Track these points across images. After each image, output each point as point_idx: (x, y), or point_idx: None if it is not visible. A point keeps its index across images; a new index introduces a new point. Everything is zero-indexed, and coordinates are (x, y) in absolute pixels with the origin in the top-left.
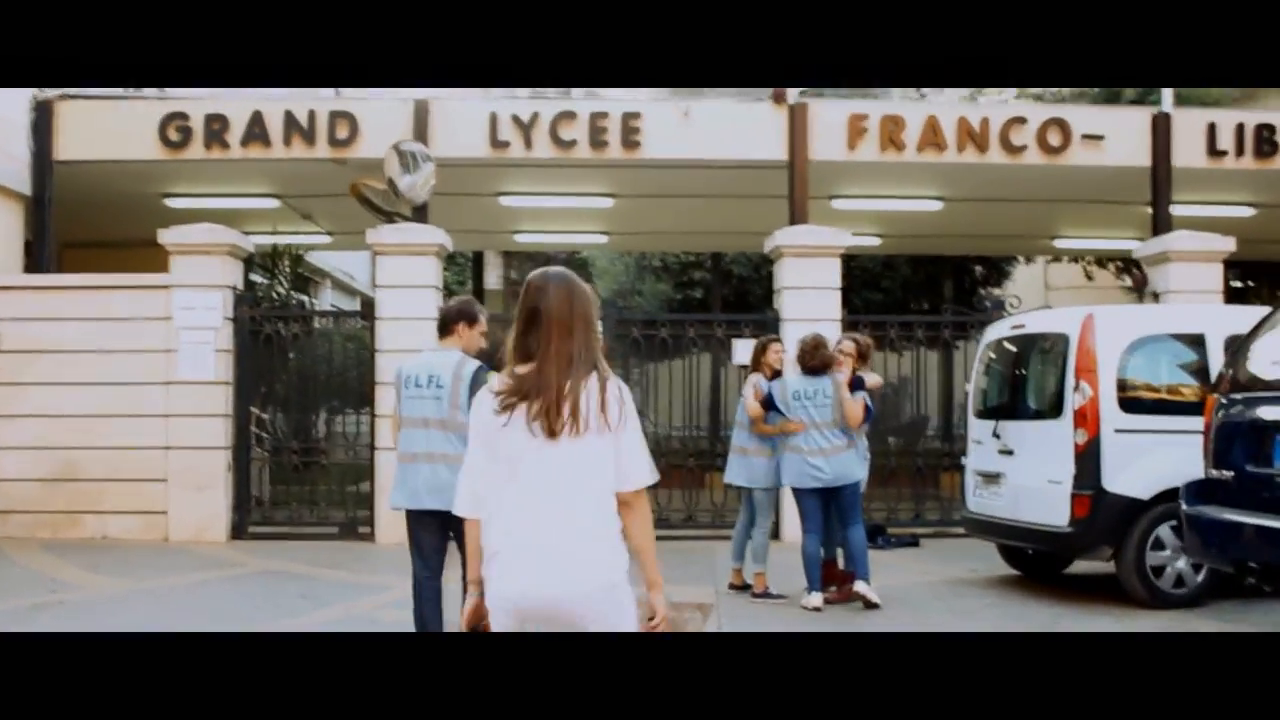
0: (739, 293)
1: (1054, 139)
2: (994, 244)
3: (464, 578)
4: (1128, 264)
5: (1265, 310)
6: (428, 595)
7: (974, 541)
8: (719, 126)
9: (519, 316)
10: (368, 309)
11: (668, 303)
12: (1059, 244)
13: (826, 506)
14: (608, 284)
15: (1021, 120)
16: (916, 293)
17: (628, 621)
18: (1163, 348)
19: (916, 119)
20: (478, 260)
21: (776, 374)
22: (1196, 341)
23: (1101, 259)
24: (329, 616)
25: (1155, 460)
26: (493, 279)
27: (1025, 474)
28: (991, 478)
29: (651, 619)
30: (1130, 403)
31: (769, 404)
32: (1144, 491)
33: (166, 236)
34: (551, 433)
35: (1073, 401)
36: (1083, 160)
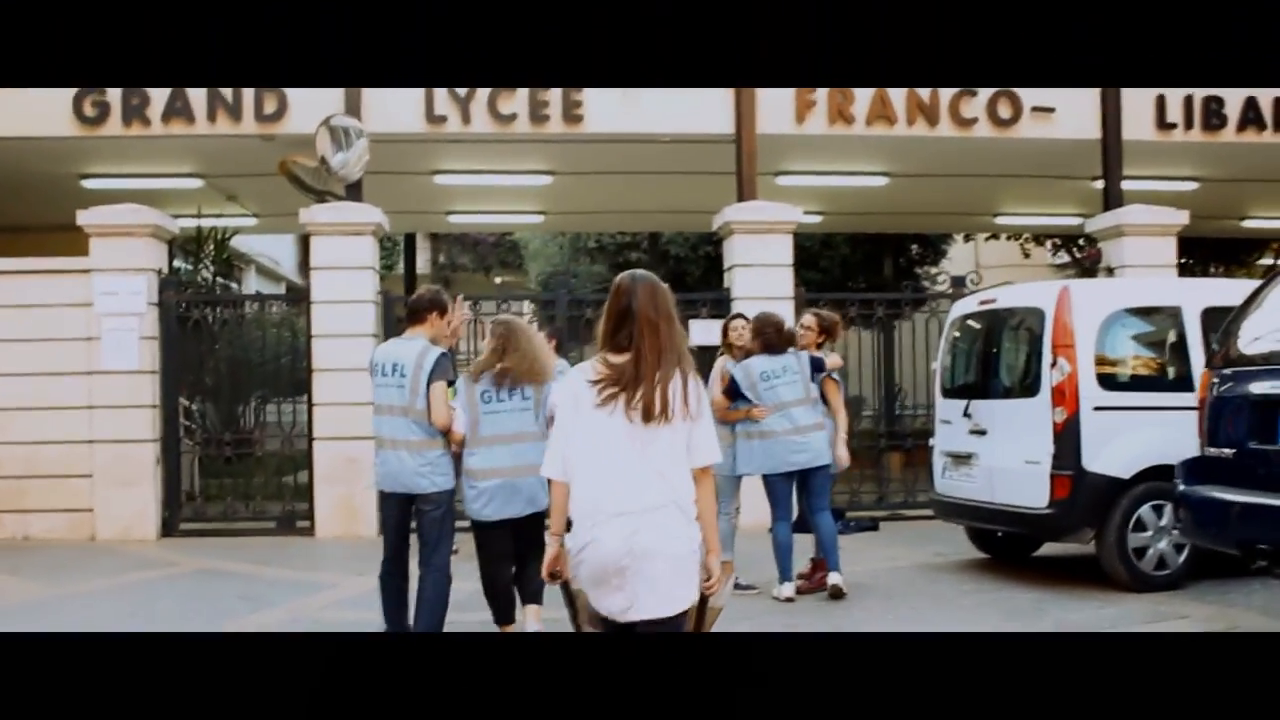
0: (676, 273)
1: (1004, 112)
2: (935, 221)
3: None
4: (1065, 241)
5: (1241, 283)
6: (390, 570)
7: (932, 524)
8: (664, 100)
9: (609, 313)
10: (299, 294)
11: (604, 285)
12: (1000, 220)
13: (798, 491)
14: (540, 266)
15: (972, 93)
16: (855, 272)
17: (691, 582)
18: (1140, 321)
19: (866, 91)
20: (409, 243)
21: (747, 354)
22: (1173, 315)
23: (1039, 236)
24: (272, 619)
25: (1136, 438)
26: (420, 262)
27: (1000, 454)
28: (962, 458)
29: (709, 579)
30: (1108, 379)
31: (733, 391)
32: (1125, 470)
33: (86, 217)
34: (645, 419)
35: (1050, 378)
36: (1032, 133)
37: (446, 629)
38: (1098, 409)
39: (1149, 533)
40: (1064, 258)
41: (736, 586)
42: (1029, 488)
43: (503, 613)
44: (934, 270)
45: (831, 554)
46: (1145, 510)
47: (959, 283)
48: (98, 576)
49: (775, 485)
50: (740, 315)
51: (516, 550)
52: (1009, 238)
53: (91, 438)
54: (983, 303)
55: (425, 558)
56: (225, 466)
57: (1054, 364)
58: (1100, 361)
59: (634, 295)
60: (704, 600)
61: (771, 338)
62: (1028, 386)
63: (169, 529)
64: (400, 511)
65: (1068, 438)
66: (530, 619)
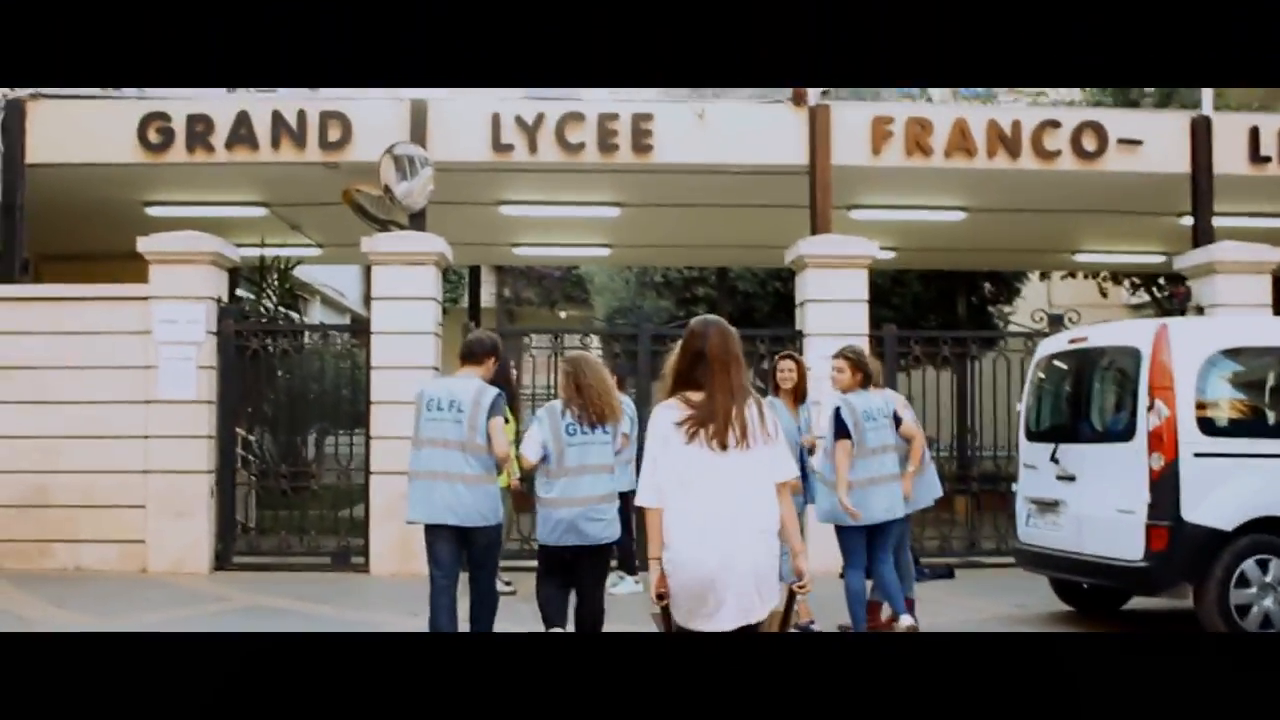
0: (744, 309)
1: (1089, 144)
2: (1011, 258)
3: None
4: (1144, 280)
5: None
6: (443, 603)
7: (1011, 573)
8: (735, 129)
9: (684, 354)
10: (360, 325)
11: (674, 319)
12: (1079, 258)
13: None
14: (606, 300)
15: (1055, 124)
16: (927, 310)
17: (772, 591)
18: (1243, 362)
19: (944, 122)
20: (474, 276)
21: (800, 397)
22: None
23: (1116, 275)
24: None
25: (1239, 487)
26: (485, 296)
27: (1090, 502)
28: (1049, 506)
29: (799, 578)
30: (1210, 423)
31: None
32: (1227, 522)
33: (146, 244)
34: (724, 448)
35: (1147, 422)
36: (1118, 166)
37: None
38: (1198, 455)
39: (1253, 589)
40: (1143, 297)
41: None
42: (1122, 538)
43: (553, 619)
44: (1007, 309)
45: (896, 600)
46: (1249, 565)
47: (1056, 321)
48: (146, 610)
49: (850, 533)
50: (790, 356)
51: (577, 583)
52: (1086, 276)
53: (146, 468)
54: (1073, 341)
55: (478, 582)
56: (282, 499)
57: (1151, 407)
58: (1201, 405)
59: (707, 339)
60: (790, 598)
61: (871, 372)
62: (1122, 430)
63: (222, 562)
64: (453, 544)
65: (1165, 486)
66: None
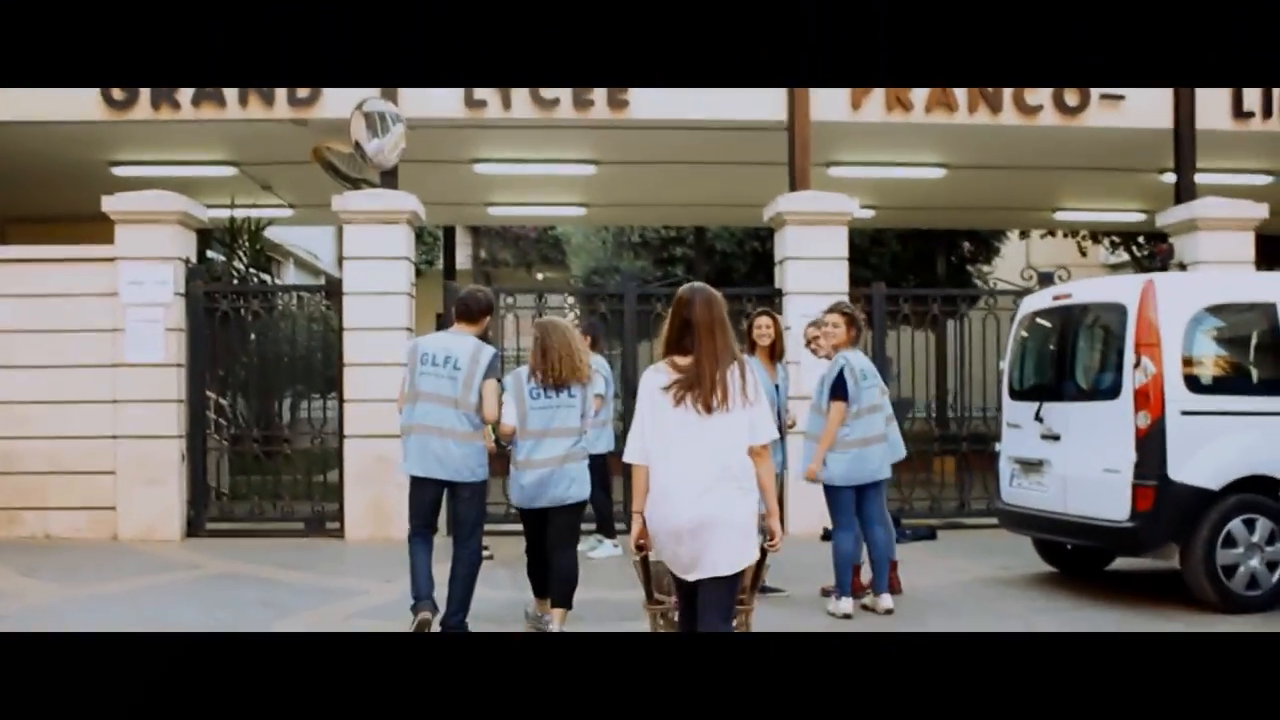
0: (722, 269)
1: (1071, 99)
2: (991, 216)
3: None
4: (1124, 238)
5: None
6: (421, 555)
7: (993, 534)
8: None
9: (672, 321)
10: (333, 286)
11: (656, 279)
12: (1060, 216)
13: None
14: (583, 261)
15: None
16: (906, 270)
17: (749, 545)
18: (1230, 319)
19: None
20: (449, 237)
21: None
22: (1267, 312)
23: (1095, 233)
24: (294, 626)
25: (1226, 445)
26: (460, 257)
27: (1075, 462)
28: (1033, 466)
29: (771, 538)
30: (1196, 381)
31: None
32: (1214, 481)
33: (111, 203)
34: (709, 410)
35: (1133, 380)
36: (1100, 122)
37: (474, 605)
38: (1185, 413)
39: (1240, 549)
40: (1122, 256)
41: (763, 589)
42: (1108, 498)
43: (542, 589)
44: (986, 268)
45: (882, 566)
46: (1236, 524)
47: (1046, 279)
48: (116, 579)
49: (842, 494)
50: (767, 312)
51: (548, 541)
52: (1066, 235)
53: (115, 433)
54: (1056, 298)
55: (460, 538)
56: (255, 464)
57: (1137, 364)
58: (1188, 362)
59: (692, 306)
60: (763, 556)
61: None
62: (1107, 389)
63: (194, 529)
64: (435, 495)
65: (1151, 445)
66: (555, 621)
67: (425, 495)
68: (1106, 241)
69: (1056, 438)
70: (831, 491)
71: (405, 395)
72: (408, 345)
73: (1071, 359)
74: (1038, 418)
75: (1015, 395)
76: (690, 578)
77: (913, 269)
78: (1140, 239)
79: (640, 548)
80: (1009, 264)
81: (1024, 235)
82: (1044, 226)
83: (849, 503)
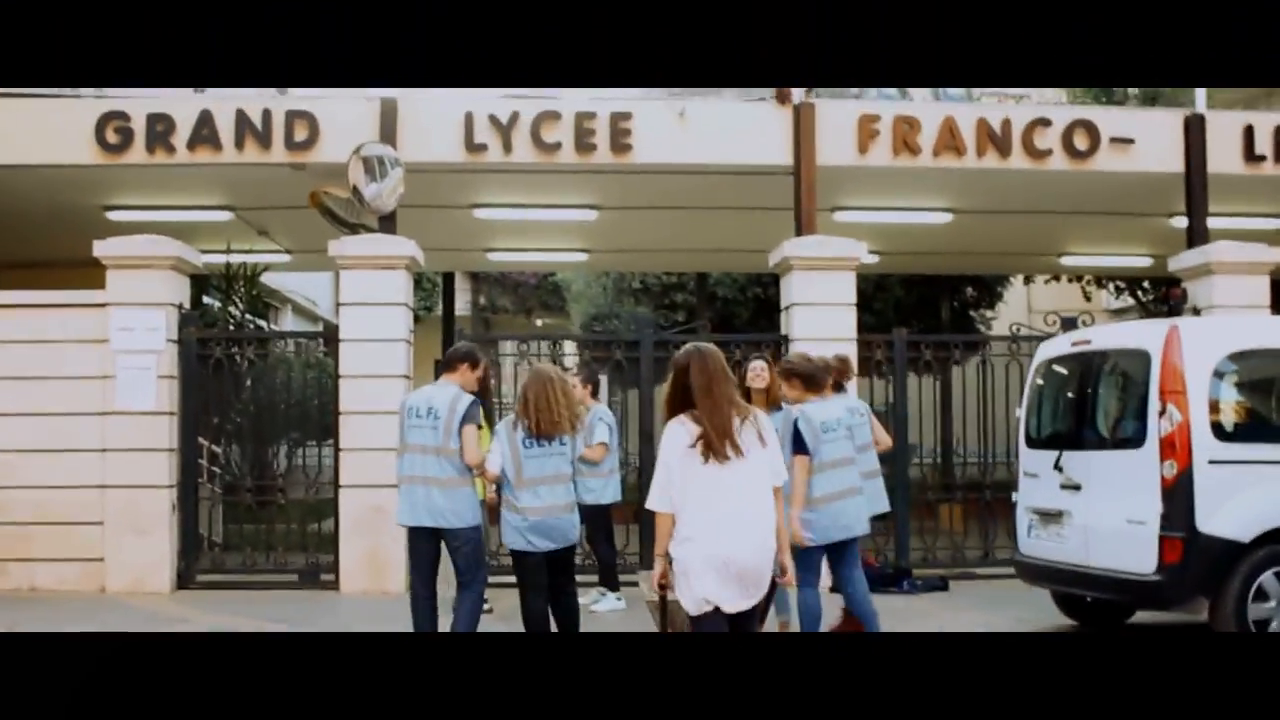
0: (724, 315)
1: (1080, 143)
2: (997, 262)
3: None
4: (1130, 283)
5: None
6: (423, 611)
7: (1007, 584)
8: (717, 128)
9: (673, 386)
10: (331, 332)
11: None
12: (1066, 261)
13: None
14: (584, 307)
15: (1046, 122)
16: (909, 315)
17: (769, 577)
18: (1257, 364)
19: (933, 120)
20: (448, 283)
21: (774, 403)
22: None
23: (1101, 278)
24: None
25: (1257, 496)
26: (460, 304)
27: (1098, 512)
28: (1052, 516)
29: (783, 573)
30: (1224, 429)
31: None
32: (1244, 533)
33: (102, 248)
34: (729, 459)
35: (1158, 428)
36: (1110, 166)
37: None
38: (1213, 462)
39: (1272, 603)
40: (1127, 300)
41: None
42: (1133, 551)
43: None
44: (989, 314)
45: (871, 621)
46: (1268, 577)
47: (1070, 324)
48: None
49: (813, 552)
50: (761, 356)
51: (552, 583)
52: (1071, 279)
53: (104, 482)
54: (1075, 344)
55: (462, 584)
56: (250, 513)
57: (1162, 412)
58: (1214, 409)
59: (689, 371)
60: (772, 589)
61: (808, 370)
62: (1131, 437)
63: (185, 581)
64: (431, 544)
65: (1179, 495)
66: None
67: (420, 546)
68: (1111, 286)
69: (1077, 487)
70: (800, 550)
71: (397, 449)
72: (399, 400)
73: (1092, 406)
74: (1057, 467)
75: (1033, 443)
76: (732, 609)
77: (916, 314)
78: (1145, 284)
79: (662, 587)
80: (1012, 310)
81: (1028, 280)
82: (1049, 271)
83: (817, 561)
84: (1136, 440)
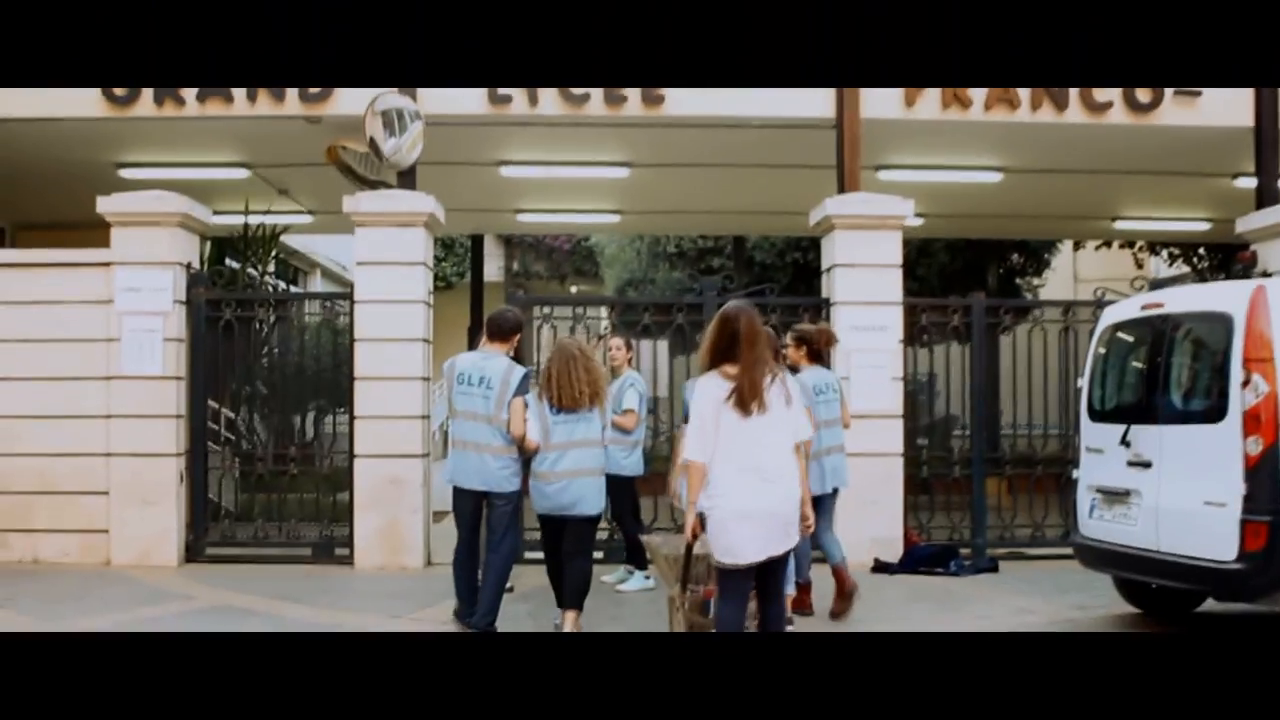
0: (761, 280)
1: (1143, 95)
2: (1046, 226)
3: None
4: (1184, 250)
5: None
6: (464, 555)
7: (1061, 565)
8: None
9: (720, 335)
10: (339, 293)
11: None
12: (1120, 225)
13: None
14: (617, 272)
15: None
16: (954, 282)
17: (796, 528)
18: None
19: None
20: (476, 247)
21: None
22: None
23: (1154, 244)
24: None
25: None
26: (492, 269)
27: (1170, 492)
28: (1118, 496)
29: (805, 522)
30: None
31: None
32: None
33: (106, 204)
34: (760, 412)
35: (1241, 401)
36: (1174, 120)
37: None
38: None
39: None
40: (1181, 268)
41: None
42: (1211, 536)
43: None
44: (1036, 281)
45: (803, 567)
46: None
47: (1159, 285)
48: (100, 612)
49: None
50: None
51: (563, 548)
52: (1122, 245)
53: (109, 450)
54: (1146, 307)
55: (493, 545)
56: (264, 483)
57: (1246, 382)
58: None
59: (738, 322)
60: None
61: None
62: (1209, 410)
63: (193, 554)
64: (475, 505)
65: (1264, 474)
66: (567, 623)
67: (465, 504)
68: (1165, 253)
69: (1147, 465)
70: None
71: (449, 412)
72: (445, 365)
73: (1165, 376)
74: (1124, 442)
75: (1096, 417)
76: (748, 561)
77: (961, 282)
78: (1201, 250)
79: (694, 536)
80: (1059, 277)
81: (1079, 246)
82: (1101, 237)
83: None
84: (1216, 413)
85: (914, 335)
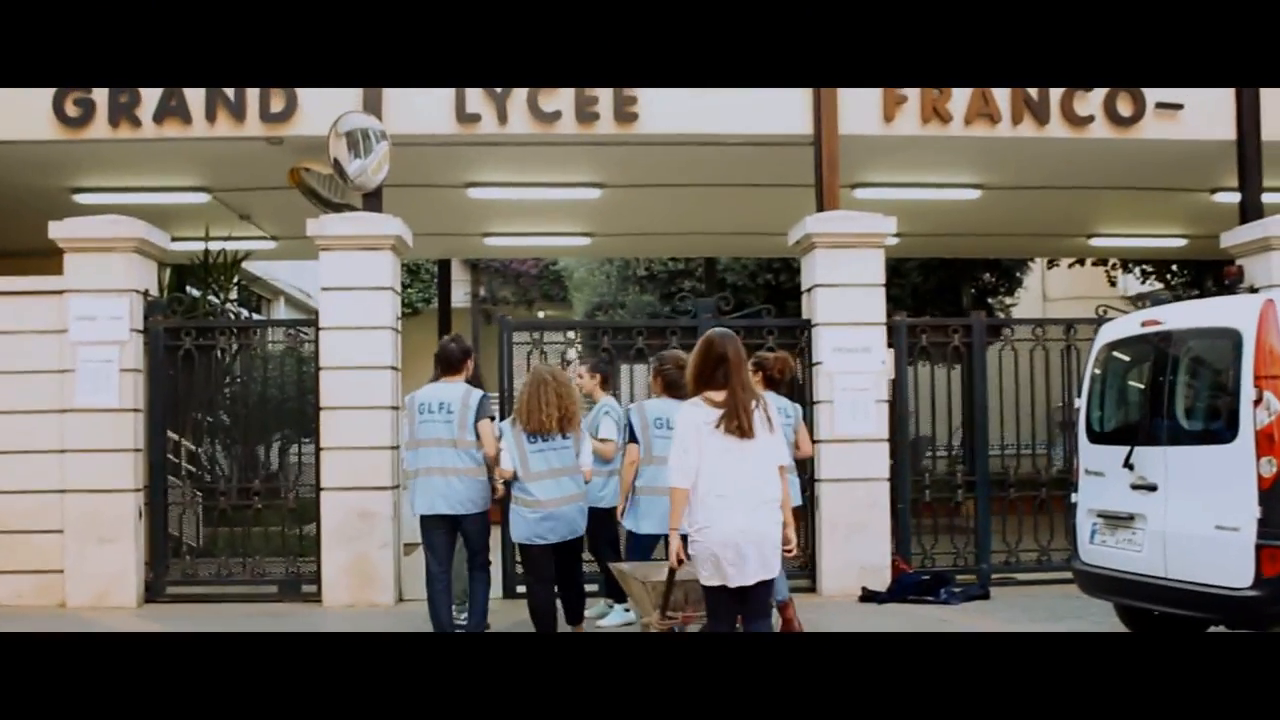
0: (734, 303)
1: (1124, 109)
2: (1021, 244)
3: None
4: (1158, 267)
5: None
6: (439, 588)
7: (1054, 590)
8: (730, 94)
9: (705, 360)
10: (302, 320)
11: (653, 317)
12: (1095, 242)
13: None
14: (586, 296)
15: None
16: (927, 301)
17: (779, 553)
18: None
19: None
20: (444, 271)
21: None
22: None
23: (1126, 261)
24: None
25: None
26: (459, 295)
27: (1178, 517)
28: (1121, 520)
29: (787, 545)
30: None
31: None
32: None
33: (58, 229)
34: (742, 435)
35: (1254, 419)
36: (1156, 134)
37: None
38: None
39: None
40: (1154, 285)
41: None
42: (1224, 562)
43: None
44: (1009, 300)
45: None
46: None
47: (1161, 301)
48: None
49: (641, 545)
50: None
51: (559, 572)
52: (1095, 263)
53: (63, 487)
54: (1145, 324)
55: (475, 564)
56: (227, 518)
57: (1258, 400)
58: None
59: (724, 347)
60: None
61: (673, 376)
62: (1218, 430)
63: (153, 594)
64: (447, 531)
65: (1279, 497)
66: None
67: (438, 531)
68: (1138, 270)
69: (1152, 488)
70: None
71: (408, 444)
72: (406, 398)
73: (1169, 395)
74: (1127, 464)
75: (1096, 438)
76: (737, 584)
77: (934, 302)
78: (1173, 267)
79: (680, 561)
80: (1029, 295)
81: (1052, 264)
82: (1076, 254)
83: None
84: (1226, 434)
85: (913, 355)
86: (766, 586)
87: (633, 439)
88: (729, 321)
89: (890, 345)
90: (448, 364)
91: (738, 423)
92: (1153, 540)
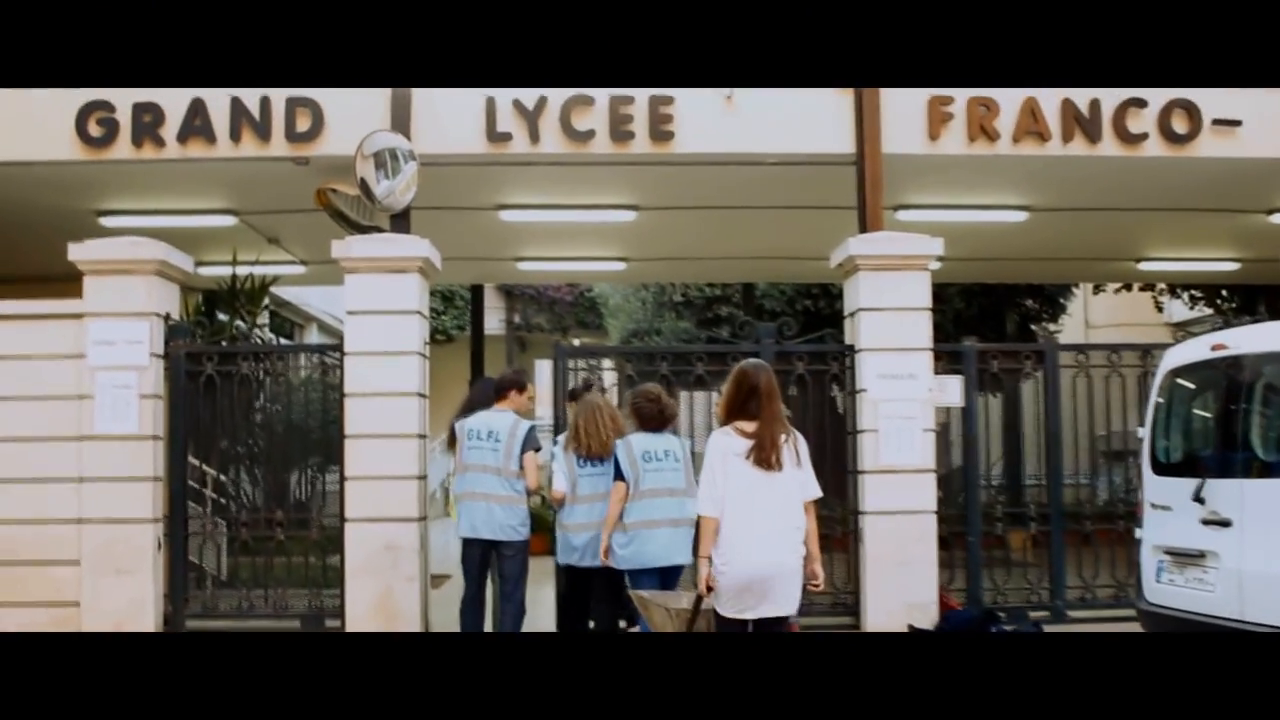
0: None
1: (1179, 126)
2: (1067, 268)
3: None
4: (1207, 292)
5: None
6: (473, 609)
7: (1106, 626)
8: (769, 113)
9: (738, 390)
10: (328, 346)
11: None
12: (1144, 266)
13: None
14: (622, 323)
15: (1140, 103)
16: (969, 328)
17: (800, 587)
18: None
19: (1012, 102)
20: (476, 297)
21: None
22: None
23: (1174, 286)
24: None
25: None
26: (493, 322)
27: (1256, 555)
28: (1191, 558)
29: (814, 580)
30: None
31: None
32: None
33: (78, 252)
34: (771, 468)
35: None
36: (1213, 151)
37: None
38: None
39: None
40: (1203, 310)
41: None
42: None
43: None
44: (1053, 327)
45: None
46: None
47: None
48: None
49: (638, 579)
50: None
51: (589, 598)
52: (1142, 288)
53: (80, 516)
54: (1215, 348)
55: (506, 594)
56: (256, 546)
57: None
58: None
59: (757, 378)
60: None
61: (647, 410)
62: None
63: (172, 626)
64: (483, 555)
65: None
66: None
67: (474, 555)
68: (1186, 295)
69: (1226, 523)
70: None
71: (457, 468)
72: (456, 425)
73: (1244, 425)
74: (1198, 498)
75: (1161, 470)
76: (754, 616)
77: (976, 328)
78: (1223, 292)
79: (709, 589)
80: (1072, 322)
81: (1098, 289)
82: (1124, 279)
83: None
84: None
85: (983, 383)
86: (781, 622)
87: (619, 476)
88: (791, 347)
89: (959, 372)
90: (497, 393)
91: (766, 455)
92: (1227, 580)
